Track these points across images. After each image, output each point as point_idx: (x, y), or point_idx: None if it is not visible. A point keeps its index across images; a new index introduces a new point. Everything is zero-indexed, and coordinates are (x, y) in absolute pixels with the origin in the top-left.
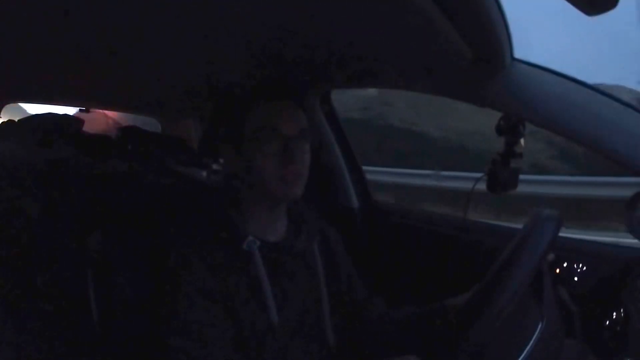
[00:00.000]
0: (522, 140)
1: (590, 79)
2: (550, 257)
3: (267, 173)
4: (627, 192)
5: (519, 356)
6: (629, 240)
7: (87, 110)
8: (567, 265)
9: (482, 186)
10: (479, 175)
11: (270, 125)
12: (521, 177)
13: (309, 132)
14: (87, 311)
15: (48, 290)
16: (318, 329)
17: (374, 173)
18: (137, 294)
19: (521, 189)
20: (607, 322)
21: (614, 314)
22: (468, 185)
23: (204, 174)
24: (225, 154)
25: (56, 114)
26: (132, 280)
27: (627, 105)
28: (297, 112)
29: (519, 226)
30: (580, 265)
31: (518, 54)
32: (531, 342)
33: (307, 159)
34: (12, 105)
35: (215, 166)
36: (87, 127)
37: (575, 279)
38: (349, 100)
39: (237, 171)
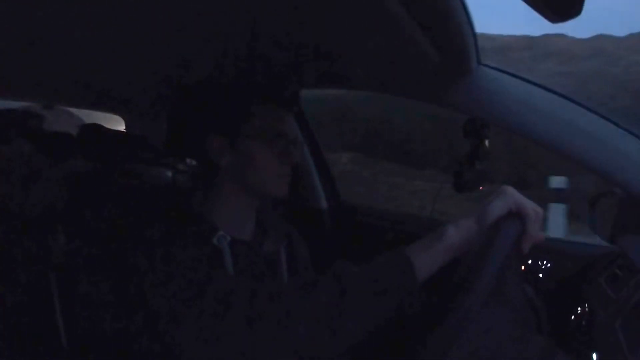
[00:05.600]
0: (486, 142)
1: None
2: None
3: (267, 169)
4: None
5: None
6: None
7: (50, 107)
8: (531, 262)
9: None
10: None
11: (280, 129)
12: None
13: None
14: (52, 315)
15: (10, 295)
16: None
17: None
18: (103, 296)
19: None
20: (572, 318)
21: (579, 309)
22: None
23: (170, 174)
24: (214, 146)
25: (15, 109)
26: (97, 282)
27: (591, 110)
28: (293, 120)
29: None
30: (545, 262)
31: None
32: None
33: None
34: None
35: (181, 166)
36: (51, 125)
37: (540, 275)
38: None
39: (226, 164)
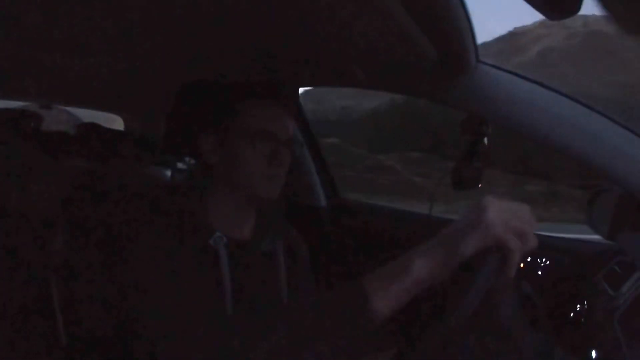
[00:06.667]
0: (485, 140)
1: None
2: None
3: (253, 170)
4: None
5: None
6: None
7: (48, 107)
8: (530, 260)
9: None
10: None
11: (268, 129)
12: None
13: (294, 140)
14: (51, 314)
15: (9, 294)
16: None
17: None
18: (102, 296)
19: None
20: (571, 315)
21: (578, 306)
22: None
23: (169, 173)
24: (205, 145)
25: (13, 109)
26: (96, 282)
27: (589, 107)
28: (290, 119)
29: None
30: (544, 259)
31: None
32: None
33: (288, 164)
34: None
35: (180, 165)
36: (49, 125)
37: (539, 273)
38: None
39: (217, 163)
